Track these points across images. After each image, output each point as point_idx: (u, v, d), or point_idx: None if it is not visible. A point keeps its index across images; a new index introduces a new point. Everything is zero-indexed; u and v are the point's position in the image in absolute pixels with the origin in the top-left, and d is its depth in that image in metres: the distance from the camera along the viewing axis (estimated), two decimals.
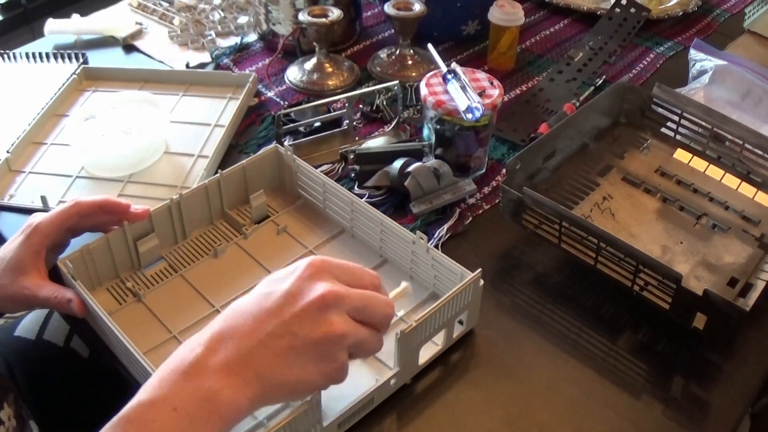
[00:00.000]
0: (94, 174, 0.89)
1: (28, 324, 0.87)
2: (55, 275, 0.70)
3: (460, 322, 0.69)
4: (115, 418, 0.47)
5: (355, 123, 0.96)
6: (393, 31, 1.19)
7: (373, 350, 0.55)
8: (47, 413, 0.80)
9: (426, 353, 0.66)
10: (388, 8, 1.02)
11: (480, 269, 0.66)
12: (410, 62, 1.08)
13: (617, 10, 1.21)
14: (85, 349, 0.85)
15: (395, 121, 0.97)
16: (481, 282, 0.67)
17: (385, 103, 1.00)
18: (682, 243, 0.79)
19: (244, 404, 0.49)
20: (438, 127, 0.87)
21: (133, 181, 0.88)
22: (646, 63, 1.15)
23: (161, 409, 0.47)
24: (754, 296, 0.67)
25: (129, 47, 1.16)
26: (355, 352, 0.53)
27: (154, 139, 0.91)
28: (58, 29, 1.17)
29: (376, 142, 0.94)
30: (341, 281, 0.53)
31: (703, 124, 0.87)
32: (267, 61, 1.11)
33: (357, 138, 0.95)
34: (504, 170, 0.91)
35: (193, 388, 0.48)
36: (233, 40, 1.17)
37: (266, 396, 0.50)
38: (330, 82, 1.06)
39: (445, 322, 0.65)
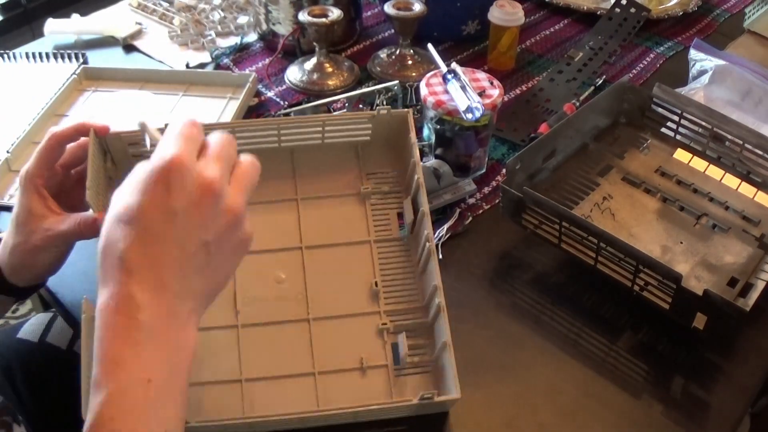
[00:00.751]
0: None
1: (30, 327, 0.86)
2: None
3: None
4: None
5: None
6: (393, 31, 1.19)
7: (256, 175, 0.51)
8: (48, 417, 0.80)
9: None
10: (388, 8, 1.02)
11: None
12: (410, 62, 1.08)
13: (617, 10, 1.21)
14: None
15: None
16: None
17: (385, 103, 1.00)
18: (682, 243, 0.79)
19: (193, 333, 0.47)
20: (438, 127, 0.87)
21: None
22: (646, 63, 1.15)
23: (138, 388, 0.43)
24: (754, 296, 0.67)
25: (129, 47, 1.16)
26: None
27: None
28: (58, 29, 1.17)
29: None
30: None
31: (703, 124, 0.87)
32: (267, 61, 1.11)
33: None
34: (504, 170, 0.91)
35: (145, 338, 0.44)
36: (233, 40, 1.17)
37: (205, 305, 0.49)
38: (330, 82, 1.06)
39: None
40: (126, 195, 0.46)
